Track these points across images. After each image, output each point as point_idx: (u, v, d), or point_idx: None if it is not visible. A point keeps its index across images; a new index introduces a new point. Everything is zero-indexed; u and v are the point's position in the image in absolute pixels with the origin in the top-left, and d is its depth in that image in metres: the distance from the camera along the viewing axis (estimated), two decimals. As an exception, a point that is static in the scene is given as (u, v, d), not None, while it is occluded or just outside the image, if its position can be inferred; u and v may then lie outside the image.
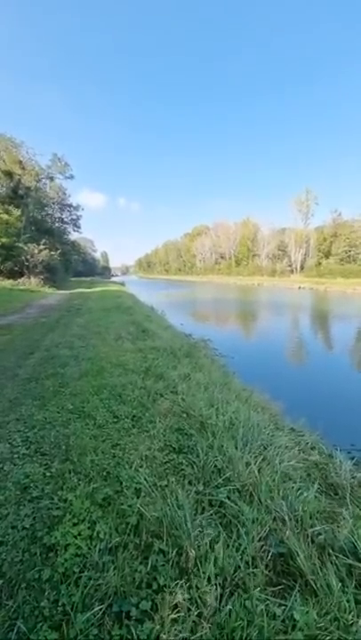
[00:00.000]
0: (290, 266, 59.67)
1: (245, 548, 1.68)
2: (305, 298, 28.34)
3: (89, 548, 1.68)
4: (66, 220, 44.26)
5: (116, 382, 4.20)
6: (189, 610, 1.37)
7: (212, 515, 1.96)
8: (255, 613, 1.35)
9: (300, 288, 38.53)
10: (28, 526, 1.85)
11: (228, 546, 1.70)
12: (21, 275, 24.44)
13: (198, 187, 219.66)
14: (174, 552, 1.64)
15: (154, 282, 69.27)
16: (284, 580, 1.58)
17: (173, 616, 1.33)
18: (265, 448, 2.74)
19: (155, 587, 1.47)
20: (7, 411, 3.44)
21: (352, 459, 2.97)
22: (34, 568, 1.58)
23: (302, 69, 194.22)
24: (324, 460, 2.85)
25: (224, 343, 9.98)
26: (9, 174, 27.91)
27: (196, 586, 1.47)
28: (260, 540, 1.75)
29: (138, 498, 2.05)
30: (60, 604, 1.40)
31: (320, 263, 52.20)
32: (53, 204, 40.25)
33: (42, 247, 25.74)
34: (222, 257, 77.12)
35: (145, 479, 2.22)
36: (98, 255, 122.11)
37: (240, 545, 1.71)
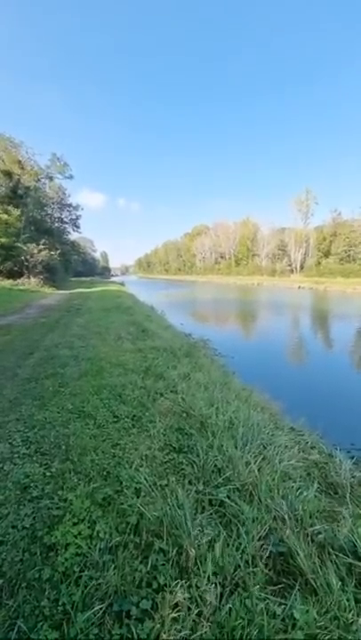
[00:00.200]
0: (290, 265, 59.66)
1: (245, 547, 1.68)
2: (305, 297, 28.34)
3: (89, 548, 1.68)
4: (65, 219, 44.25)
5: (116, 382, 4.20)
6: (190, 609, 1.37)
7: (212, 514, 1.96)
8: (255, 612, 1.35)
9: (299, 288, 38.53)
10: (28, 526, 1.85)
11: (228, 545, 1.71)
12: (21, 275, 24.42)
13: (198, 187, 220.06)
14: (174, 551, 1.64)
15: (153, 282, 69.24)
16: (284, 579, 1.58)
17: (174, 615, 1.33)
18: (265, 447, 2.74)
19: (155, 586, 1.48)
20: (7, 411, 3.44)
21: (352, 458, 2.97)
22: (34, 567, 1.59)
23: (302, 69, 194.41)
24: (323, 460, 2.85)
25: (224, 343, 9.98)
26: (8, 174, 27.86)
27: (197, 585, 1.47)
28: (260, 539, 1.75)
29: (138, 497, 2.05)
30: (60, 603, 1.40)
31: (320, 263, 52.20)
32: (53, 203, 40.21)
33: (41, 247, 25.71)
34: (222, 257, 77.13)
35: (145, 479, 2.22)
36: (98, 255, 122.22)
37: (240, 544, 1.71)
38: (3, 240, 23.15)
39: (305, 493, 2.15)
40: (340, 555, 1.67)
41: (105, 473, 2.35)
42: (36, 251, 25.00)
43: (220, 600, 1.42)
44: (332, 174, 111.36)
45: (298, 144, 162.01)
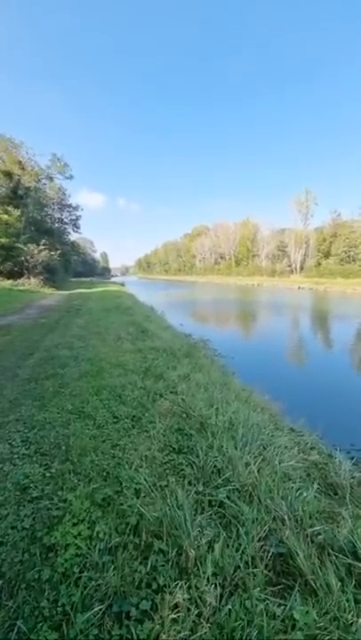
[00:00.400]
0: (289, 266, 59.66)
1: (245, 548, 1.68)
2: (305, 298, 28.34)
3: (89, 549, 1.68)
4: (65, 220, 44.31)
5: (116, 383, 4.20)
6: (189, 610, 1.37)
7: (211, 515, 1.96)
8: (255, 613, 1.35)
9: (299, 288, 38.52)
10: (27, 526, 1.85)
11: (227, 546, 1.71)
12: (21, 275, 24.42)
13: (198, 187, 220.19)
14: (174, 552, 1.64)
15: (153, 282, 69.27)
16: (283, 580, 1.58)
17: (173, 616, 1.33)
18: (265, 448, 2.74)
19: (154, 587, 1.48)
20: (7, 411, 3.44)
21: (351, 459, 2.98)
22: (34, 568, 1.58)
23: (302, 69, 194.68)
24: (323, 460, 2.85)
25: (224, 343, 9.99)
26: (8, 174, 27.88)
27: (196, 586, 1.47)
28: (259, 540, 1.75)
29: (138, 498, 2.05)
30: (59, 604, 1.40)
31: (320, 263, 52.20)
32: (53, 204, 40.25)
33: (41, 247, 25.72)
34: (222, 257, 77.14)
35: (145, 479, 2.22)
36: (97, 256, 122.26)
37: (240, 545, 1.71)
38: (3, 240, 23.16)
39: (305, 494, 2.15)
40: (340, 555, 1.67)
41: (105, 473, 2.35)
42: (36, 251, 25.01)
43: (220, 601, 1.42)
44: (332, 174, 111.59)
45: (298, 144, 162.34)
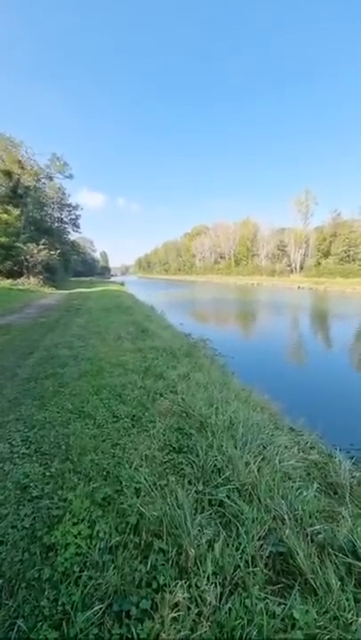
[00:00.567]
0: (289, 266, 59.67)
1: (245, 547, 1.68)
2: (304, 298, 28.35)
3: (89, 548, 1.68)
4: (65, 219, 44.32)
5: (116, 382, 4.20)
6: (189, 609, 1.37)
7: (211, 514, 1.96)
8: (255, 612, 1.35)
9: (299, 288, 38.53)
10: (27, 526, 1.85)
11: (227, 545, 1.71)
12: (21, 274, 24.40)
13: (198, 187, 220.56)
14: (174, 551, 1.64)
15: (153, 282, 69.22)
16: (283, 579, 1.58)
17: (173, 615, 1.33)
18: (264, 447, 2.74)
19: (155, 586, 1.48)
20: (7, 411, 3.44)
21: (351, 458, 2.98)
22: (34, 567, 1.59)
23: (302, 69, 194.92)
24: (323, 460, 2.85)
25: (223, 343, 9.98)
26: (8, 174, 27.84)
27: (196, 585, 1.47)
28: (259, 540, 1.75)
29: (138, 497, 2.05)
30: (59, 603, 1.40)
31: (319, 263, 52.22)
32: (52, 203, 40.23)
33: (41, 247, 25.71)
34: (222, 257, 77.15)
35: (145, 478, 2.22)
36: (97, 255, 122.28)
37: (240, 544, 1.71)
38: (2, 240, 23.13)
39: (305, 493, 2.15)
40: (340, 555, 1.67)
41: (105, 473, 2.35)
42: (35, 250, 25.00)
43: (220, 600, 1.42)
44: (332, 174, 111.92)
45: (298, 144, 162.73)
